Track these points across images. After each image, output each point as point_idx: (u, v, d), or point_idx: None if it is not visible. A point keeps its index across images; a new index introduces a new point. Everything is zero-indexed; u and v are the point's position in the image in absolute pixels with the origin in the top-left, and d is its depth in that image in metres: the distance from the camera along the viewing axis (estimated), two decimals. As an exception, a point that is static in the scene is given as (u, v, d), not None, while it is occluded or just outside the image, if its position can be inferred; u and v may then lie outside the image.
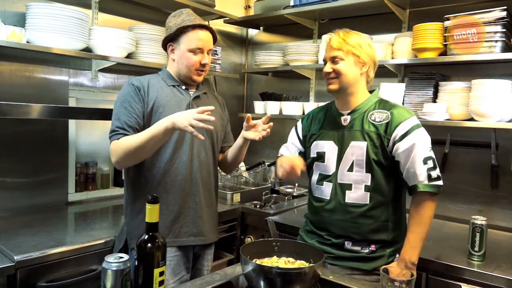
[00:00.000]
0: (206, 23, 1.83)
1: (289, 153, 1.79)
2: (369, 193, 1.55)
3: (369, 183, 1.54)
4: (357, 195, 1.56)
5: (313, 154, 1.69)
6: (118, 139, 1.60)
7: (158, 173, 1.70)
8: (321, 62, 2.74)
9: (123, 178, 2.57)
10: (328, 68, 1.59)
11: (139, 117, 1.65)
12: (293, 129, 1.83)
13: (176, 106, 1.71)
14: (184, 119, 1.45)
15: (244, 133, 1.74)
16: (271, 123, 1.71)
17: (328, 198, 1.61)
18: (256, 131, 1.71)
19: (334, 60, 1.58)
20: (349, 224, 1.57)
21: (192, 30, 1.71)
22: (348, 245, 1.59)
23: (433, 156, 1.54)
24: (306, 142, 1.75)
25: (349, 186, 1.57)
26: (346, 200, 1.57)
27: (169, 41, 1.76)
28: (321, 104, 2.71)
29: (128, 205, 1.76)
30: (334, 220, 1.60)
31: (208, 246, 1.87)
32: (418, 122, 1.56)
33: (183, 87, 1.79)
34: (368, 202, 1.55)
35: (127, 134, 1.61)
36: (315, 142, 1.68)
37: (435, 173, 1.51)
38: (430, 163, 1.51)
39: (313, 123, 1.74)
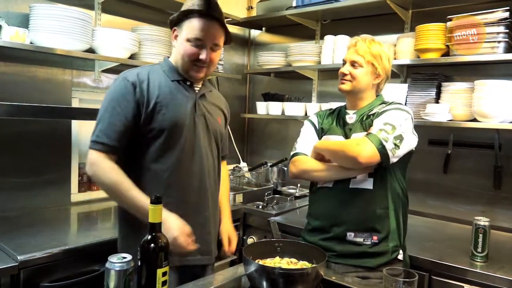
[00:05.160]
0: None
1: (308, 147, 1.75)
2: (372, 179, 1.58)
3: (371, 170, 1.57)
4: (360, 180, 1.59)
5: None
6: (103, 151, 1.43)
7: (161, 185, 1.48)
8: (323, 62, 2.74)
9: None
10: (346, 69, 1.67)
11: (127, 120, 1.45)
12: (308, 123, 1.81)
13: (181, 106, 1.53)
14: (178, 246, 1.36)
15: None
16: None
17: (332, 185, 1.65)
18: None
19: (354, 64, 1.65)
20: (351, 208, 1.59)
21: (197, 17, 1.47)
22: (350, 236, 1.59)
23: (401, 129, 1.50)
24: (320, 134, 1.78)
25: None
26: (351, 186, 1.60)
27: (174, 24, 1.54)
28: (324, 104, 2.75)
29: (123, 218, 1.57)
30: (336, 204, 1.62)
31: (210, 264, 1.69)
32: (403, 107, 1.60)
33: (188, 83, 1.58)
34: (371, 187, 1.58)
35: (109, 145, 1.43)
36: (325, 137, 1.73)
37: (388, 136, 1.47)
38: (389, 127, 1.49)
39: (326, 119, 1.80)
